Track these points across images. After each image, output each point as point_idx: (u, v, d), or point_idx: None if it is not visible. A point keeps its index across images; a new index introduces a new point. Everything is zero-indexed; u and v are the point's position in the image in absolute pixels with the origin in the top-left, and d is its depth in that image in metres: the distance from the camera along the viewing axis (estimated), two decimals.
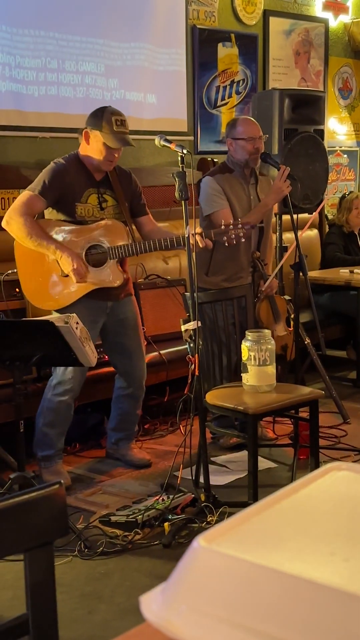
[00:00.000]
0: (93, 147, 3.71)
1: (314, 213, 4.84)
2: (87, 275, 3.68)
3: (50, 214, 3.78)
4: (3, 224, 3.70)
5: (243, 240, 3.71)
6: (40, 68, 4.92)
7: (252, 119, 4.29)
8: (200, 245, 3.60)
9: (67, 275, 3.68)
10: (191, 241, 3.49)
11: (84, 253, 3.71)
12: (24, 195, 3.70)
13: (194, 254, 3.41)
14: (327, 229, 6.37)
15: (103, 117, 3.66)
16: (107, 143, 3.65)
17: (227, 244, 3.68)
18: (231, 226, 3.66)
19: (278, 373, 3.64)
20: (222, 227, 3.66)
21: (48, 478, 3.74)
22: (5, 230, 3.72)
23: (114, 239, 3.74)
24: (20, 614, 1.27)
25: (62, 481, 1.35)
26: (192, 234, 3.60)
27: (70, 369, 3.69)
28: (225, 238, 3.65)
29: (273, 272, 4.29)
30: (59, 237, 3.72)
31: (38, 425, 3.79)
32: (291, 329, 4.33)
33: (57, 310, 3.67)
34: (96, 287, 3.72)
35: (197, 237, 3.58)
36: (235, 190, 4.13)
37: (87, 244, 3.73)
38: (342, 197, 6.16)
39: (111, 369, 4.10)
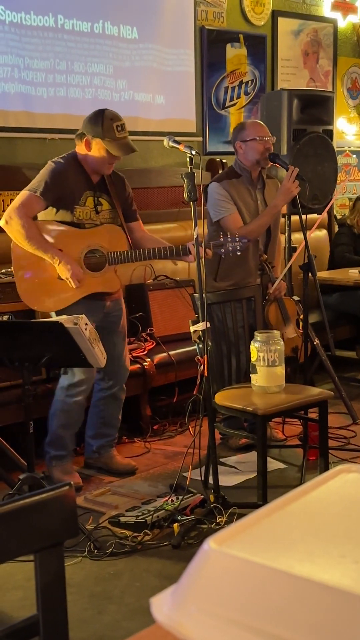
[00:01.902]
0: (95, 153, 3.68)
1: (322, 213, 4.83)
2: (85, 279, 3.66)
3: (45, 214, 3.71)
4: (2, 224, 3.66)
5: (239, 253, 3.71)
6: (49, 69, 4.93)
7: (260, 121, 4.28)
8: (201, 255, 3.61)
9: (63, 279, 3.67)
10: (193, 251, 3.49)
11: (82, 257, 3.70)
12: (24, 195, 3.64)
13: (202, 254, 3.40)
14: (336, 229, 6.35)
15: (103, 124, 3.62)
16: (112, 152, 3.64)
17: (223, 256, 3.72)
18: (229, 238, 3.67)
19: (287, 375, 3.64)
20: (221, 238, 3.67)
21: (59, 476, 3.74)
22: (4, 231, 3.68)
23: (113, 244, 3.73)
24: (30, 614, 1.28)
25: (72, 482, 1.36)
26: (196, 242, 3.61)
27: (82, 369, 3.67)
28: (222, 250, 3.67)
29: (281, 274, 4.28)
30: (58, 240, 3.67)
31: (52, 427, 3.77)
32: (301, 330, 4.31)
33: (56, 312, 3.65)
34: (93, 292, 3.71)
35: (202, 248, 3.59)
36: (242, 195, 4.12)
37: (86, 248, 3.70)
38: (358, 199, 6.13)
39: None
